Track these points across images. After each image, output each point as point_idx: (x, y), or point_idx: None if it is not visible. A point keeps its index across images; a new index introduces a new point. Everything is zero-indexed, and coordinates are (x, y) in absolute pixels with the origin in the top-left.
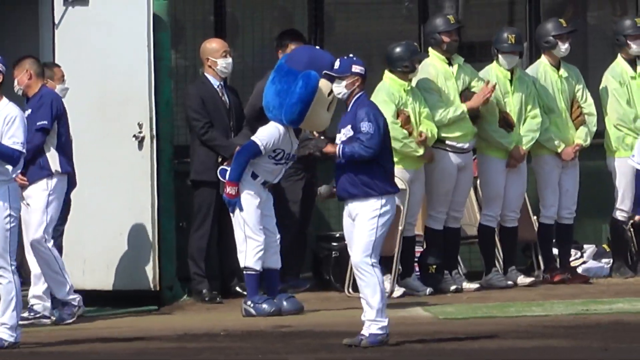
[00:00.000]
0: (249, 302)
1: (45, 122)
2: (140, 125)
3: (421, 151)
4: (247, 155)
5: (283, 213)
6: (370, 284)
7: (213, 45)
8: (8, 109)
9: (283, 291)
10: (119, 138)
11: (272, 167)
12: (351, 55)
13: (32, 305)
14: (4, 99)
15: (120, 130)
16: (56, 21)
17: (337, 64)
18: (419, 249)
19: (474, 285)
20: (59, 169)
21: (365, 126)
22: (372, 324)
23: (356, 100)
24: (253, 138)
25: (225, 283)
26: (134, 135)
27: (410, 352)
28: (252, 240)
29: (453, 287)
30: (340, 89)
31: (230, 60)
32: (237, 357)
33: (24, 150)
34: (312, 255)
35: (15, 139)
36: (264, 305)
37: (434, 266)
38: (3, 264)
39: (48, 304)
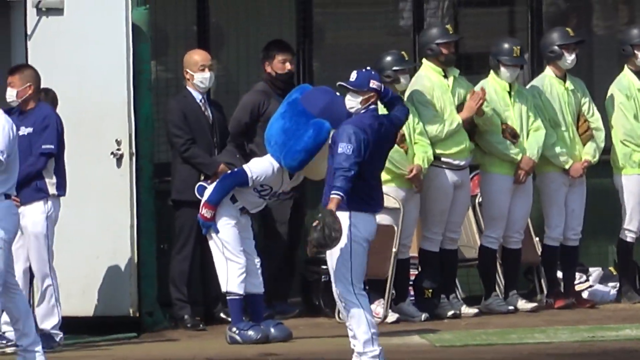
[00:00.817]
0: (234, 329)
1: (52, 146)
2: (118, 142)
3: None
4: (233, 183)
5: (270, 234)
6: (355, 315)
7: (194, 57)
8: None
9: (270, 317)
10: (95, 155)
11: (254, 199)
12: (368, 67)
13: (3, 332)
14: None
15: (97, 147)
16: (29, 31)
17: (353, 76)
18: (413, 272)
19: (473, 311)
20: (56, 192)
21: (341, 147)
22: (363, 356)
23: (360, 115)
24: (245, 167)
25: (208, 309)
26: (112, 153)
27: None
28: (233, 262)
29: (450, 313)
30: (353, 103)
31: (208, 75)
32: None
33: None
34: (301, 279)
35: None
36: (250, 332)
37: (430, 290)
38: None
39: None
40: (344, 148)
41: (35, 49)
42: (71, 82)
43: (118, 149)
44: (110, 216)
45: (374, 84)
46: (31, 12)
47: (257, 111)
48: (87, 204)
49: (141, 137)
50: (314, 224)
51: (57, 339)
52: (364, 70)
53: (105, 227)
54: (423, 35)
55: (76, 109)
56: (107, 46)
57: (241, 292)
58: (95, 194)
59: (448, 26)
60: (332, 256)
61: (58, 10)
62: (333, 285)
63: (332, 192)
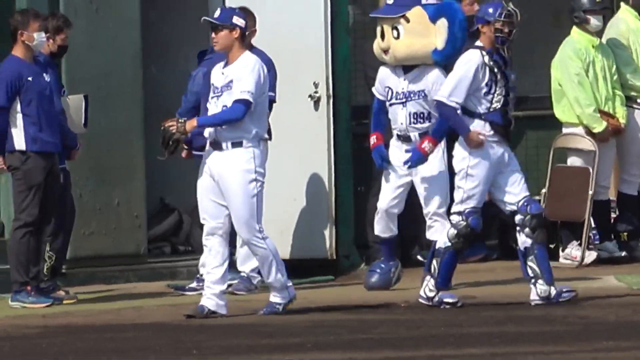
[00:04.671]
0: None
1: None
2: (316, 85)
3: (600, 128)
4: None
5: None
6: None
7: None
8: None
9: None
10: (293, 98)
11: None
12: None
13: (201, 274)
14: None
15: (295, 90)
16: None
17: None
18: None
19: None
20: (266, 136)
21: None
22: None
23: None
24: None
25: (405, 251)
26: (310, 95)
27: (600, 325)
28: None
29: None
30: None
31: None
32: (418, 330)
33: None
34: (499, 223)
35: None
36: (372, 279)
37: (626, 234)
38: (252, 232)
39: None
40: None
41: None
42: (268, 26)
43: (315, 92)
44: (308, 159)
45: None
46: None
47: None
48: (285, 146)
49: (339, 79)
50: None
51: (255, 282)
52: None
53: (303, 169)
54: None
55: (274, 53)
56: None
57: (376, 233)
58: (292, 137)
59: None
60: None
61: None
62: None
63: None
